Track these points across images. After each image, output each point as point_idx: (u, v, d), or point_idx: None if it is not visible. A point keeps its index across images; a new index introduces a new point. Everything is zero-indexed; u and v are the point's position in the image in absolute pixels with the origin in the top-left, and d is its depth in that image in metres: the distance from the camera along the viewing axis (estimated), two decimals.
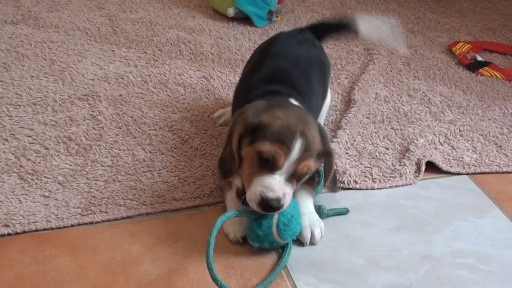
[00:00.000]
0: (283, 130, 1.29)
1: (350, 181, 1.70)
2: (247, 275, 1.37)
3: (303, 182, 1.42)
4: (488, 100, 2.16)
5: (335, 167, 1.49)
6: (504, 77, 2.36)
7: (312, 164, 1.34)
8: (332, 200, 1.63)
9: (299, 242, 1.46)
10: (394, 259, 1.46)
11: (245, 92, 1.57)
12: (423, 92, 2.19)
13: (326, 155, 1.40)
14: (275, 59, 1.64)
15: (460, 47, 2.54)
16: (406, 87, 2.22)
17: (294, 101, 1.49)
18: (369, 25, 1.82)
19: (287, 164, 1.31)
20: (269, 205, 1.31)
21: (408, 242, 1.52)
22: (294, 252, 1.44)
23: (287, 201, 1.33)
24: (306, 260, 1.43)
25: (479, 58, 2.46)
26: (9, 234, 1.47)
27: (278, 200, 1.31)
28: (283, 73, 1.59)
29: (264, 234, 1.34)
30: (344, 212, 1.57)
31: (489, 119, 2.05)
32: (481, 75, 2.37)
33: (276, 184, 1.31)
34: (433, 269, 1.44)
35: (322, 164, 1.48)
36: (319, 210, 1.51)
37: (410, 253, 1.49)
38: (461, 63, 2.45)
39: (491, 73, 2.37)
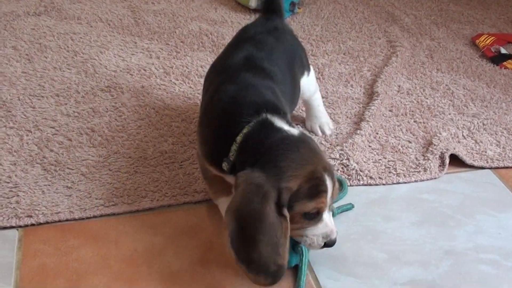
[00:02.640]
0: (315, 182, 1.24)
1: (374, 176, 1.69)
2: None
3: None
4: None
5: None
6: None
7: (337, 184, 1.32)
8: (354, 193, 1.62)
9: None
10: (416, 254, 1.46)
11: (218, 75, 1.50)
12: (446, 85, 2.18)
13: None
14: (245, 50, 1.56)
15: (484, 39, 2.51)
16: (429, 80, 2.20)
17: (277, 120, 1.34)
18: None
19: (328, 204, 1.29)
20: (333, 242, 1.32)
21: (431, 237, 1.51)
22: None
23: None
24: (328, 254, 1.43)
25: (503, 51, 2.43)
26: (32, 225, 1.48)
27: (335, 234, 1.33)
28: (255, 64, 1.51)
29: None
30: (349, 208, 1.57)
31: None
32: (505, 68, 2.35)
33: (332, 225, 1.31)
34: (456, 264, 1.44)
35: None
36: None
37: (433, 248, 1.48)
38: (484, 56, 2.42)
39: None
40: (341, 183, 1.59)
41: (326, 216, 1.29)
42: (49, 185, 1.59)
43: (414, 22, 2.67)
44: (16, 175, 1.62)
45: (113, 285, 1.33)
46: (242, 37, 1.65)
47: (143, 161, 1.69)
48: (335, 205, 1.55)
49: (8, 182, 1.60)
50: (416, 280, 1.39)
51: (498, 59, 2.39)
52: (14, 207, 1.51)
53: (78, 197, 1.56)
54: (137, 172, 1.65)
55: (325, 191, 1.24)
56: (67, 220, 1.50)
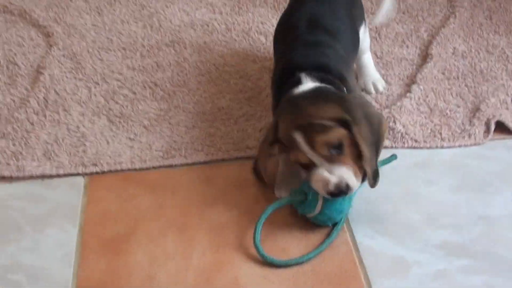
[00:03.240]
0: (287, 138, 1.40)
1: (419, 139, 1.76)
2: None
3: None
4: None
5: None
6: None
7: (329, 136, 1.37)
8: (398, 156, 1.70)
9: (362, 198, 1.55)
10: (451, 217, 1.54)
11: (285, 43, 1.69)
12: (502, 48, 2.20)
13: (345, 124, 1.39)
14: (308, 4, 1.72)
15: None
16: (485, 43, 2.22)
17: (306, 79, 1.52)
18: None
19: (312, 156, 1.38)
20: (338, 192, 1.40)
21: (467, 202, 1.59)
22: (356, 205, 1.53)
23: (351, 180, 1.40)
24: (367, 213, 1.53)
25: None
26: (97, 173, 1.63)
27: (339, 185, 1.39)
28: (313, 10, 1.69)
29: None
30: (393, 158, 1.62)
31: None
32: None
33: (327, 175, 1.39)
34: (488, 230, 1.52)
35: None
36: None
37: (468, 213, 1.56)
38: None
39: None
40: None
41: (322, 170, 1.38)
42: (113, 136, 1.74)
43: None
44: (83, 125, 1.77)
45: (166, 232, 1.48)
46: None
47: (201, 116, 1.82)
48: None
49: (77, 132, 1.75)
50: (447, 242, 1.48)
51: None
52: (81, 156, 1.67)
53: (139, 148, 1.70)
54: (195, 127, 1.77)
55: (296, 147, 1.37)
56: (128, 169, 1.64)
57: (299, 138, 1.37)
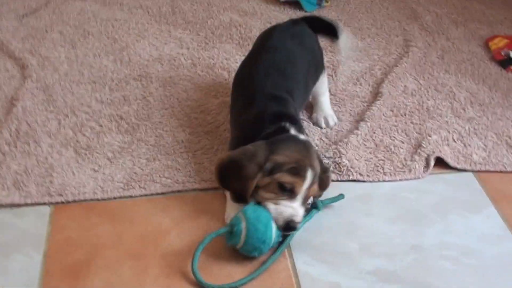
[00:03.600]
0: (298, 166, 1.59)
1: (362, 173, 1.91)
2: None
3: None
4: (511, 99, 2.30)
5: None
6: None
7: (317, 187, 1.65)
8: (342, 189, 1.85)
9: (304, 228, 1.71)
10: (385, 247, 1.69)
11: (248, 85, 1.87)
12: (450, 87, 2.35)
13: (324, 171, 1.68)
14: (271, 53, 1.91)
15: (497, 41, 2.66)
16: (435, 81, 2.38)
17: (291, 128, 1.73)
18: (346, 40, 2.18)
19: (303, 192, 1.60)
20: (292, 227, 1.61)
21: (402, 232, 1.74)
22: (299, 235, 1.68)
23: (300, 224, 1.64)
24: (308, 242, 1.68)
25: None
26: (62, 202, 1.77)
27: (299, 223, 1.63)
28: (277, 67, 1.86)
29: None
30: (341, 198, 1.79)
31: (507, 118, 2.20)
32: (511, 72, 2.49)
33: (300, 210, 1.61)
34: (419, 258, 1.66)
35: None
36: (315, 204, 1.73)
37: (401, 242, 1.71)
38: (494, 59, 2.57)
39: None
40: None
41: (298, 203, 1.61)
42: (79, 167, 1.88)
43: (434, 21, 2.83)
44: (52, 157, 1.91)
45: (122, 259, 1.61)
46: (266, 46, 1.97)
47: (162, 148, 1.96)
48: (325, 196, 1.80)
49: (45, 163, 1.89)
50: (380, 269, 1.62)
51: (506, 63, 2.54)
52: (48, 186, 1.80)
53: (102, 179, 1.84)
54: (155, 159, 1.92)
55: (304, 177, 1.58)
56: (91, 199, 1.78)
57: (309, 174, 1.60)
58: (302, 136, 1.70)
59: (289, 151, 1.61)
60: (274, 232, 1.59)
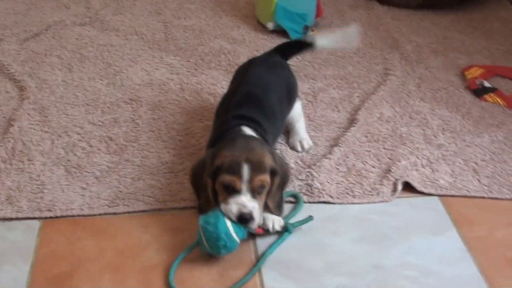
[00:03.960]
0: (231, 164, 1.72)
1: (333, 195, 2.05)
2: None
3: None
4: (481, 127, 2.42)
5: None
6: (506, 105, 2.60)
7: (264, 178, 1.73)
8: (313, 210, 1.98)
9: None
10: (349, 266, 1.82)
11: (224, 112, 2.01)
12: (424, 114, 2.48)
13: (273, 172, 1.76)
14: (248, 85, 2.05)
15: (473, 71, 2.79)
16: (410, 109, 2.51)
17: (247, 129, 1.88)
18: (325, 40, 2.29)
19: (244, 185, 1.73)
20: (245, 218, 1.74)
21: (365, 252, 1.87)
22: (269, 251, 1.82)
23: (256, 213, 1.75)
24: (277, 259, 1.81)
25: (486, 84, 2.70)
26: (51, 217, 1.91)
27: (250, 213, 1.74)
28: (254, 98, 2.01)
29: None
30: (310, 219, 1.91)
31: (476, 145, 2.33)
32: (484, 101, 2.61)
33: (246, 202, 1.74)
34: (380, 278, 1.79)
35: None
36: (286, 226, 1.87)
37: (365, 262, 1.84)
38: (469, 88, 2.70)
39: (494, 99, 2.62)
40: (297, 198, 1.97)
41: (246, 197, 1.73)
42: (68, 185, 2.02)
43: (414, 50, 2.96)
44: (44, 174, 2.06)
45: (103, 272, 1.75)
46: (244, 79, 2.12)
47: (146, 169, 2.10)
48: (296, 218, 1.93)
49: (37, 180, 2.03)
50: (342, 287, 1.75)
51: (480, 92, 2.67)
52: (38, 202, 1.95)
53: (89, 197, 1.98)
54: (139, 179, 2.06)
55: (237, 173, 1.70)
56: (78, 215, 1.93)
57: (245, 168, 1.71)
58: (249, 133, 1.83)
59: (227, 151, 1.73)
60: (230, 228, 1.74)
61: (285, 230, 1.87)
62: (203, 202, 1.81)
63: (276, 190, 1.81)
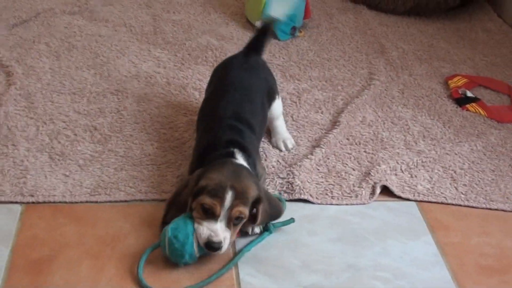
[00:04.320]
0: (216, 188, 1.69)
1: (312, 195, 2.08)
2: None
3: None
4: (462, 136, 2.47)
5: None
6: (487, 115, 2.65)
7: (244, 210, 1.71)
8: (292, 208, 2.01)
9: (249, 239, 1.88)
10: (324, 264, 1.85)
11: (209, 124, 2.01)
12: (406, 120, 2.53)
13: (257, 201, 1.75)
14: (230, 90, 2.06)
15: (457, 80, 2.83)
16: (392, 114, 2.55)
17: (239, 155, 1.87)
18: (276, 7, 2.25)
19: (223, 212, 1.71)
20: (212, 247, 1.73)
21: (341, 252, 1.90)
22: (246, 248, 1.85)
23: (226, 243, 1.75)
24: (254, 255, 1.84)
25: (469, 94, 2.75)
26: (33, 203, 1.93)
27: (219, 243, 1.73)
28: (236, 102, 2.02)
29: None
30: (291, 222, 1.94)
31: (455, 154, 2.37)
32: (466, 110, 2.66)
33: (219, 230, 1.72)
34: (353, 277, 1.83)
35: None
36: (266, 226, 1.89)
37: (339, 261, 1.87)
38: (451, 97, 2.74)
39: (476, 109, 2.67)
40: (280, 201, 2.00)
41: (219, 225, 1.70)
42: (51, 171, 2.04)
43: (400, 56, 3.00)
44: (28, 160, 2.07)
45: (83, 258, 1.77)
46: (225, 83, 2.12)
47: (130, 160, 2.13)
48: (288, 216, 1.96)
49: (21, 165, 2.05)
50: (316, 285, 1.79)
51: (462, 101, 2.72)
52: (21, 187, 1.97)
53: (72, 184, 2.00)
54: (122, 169, 2.08)
55: (221, 198, 1.67)
56: (60, 202, 1.95)
57: (228, 195, 1.69)
58: (240, 162, 1.81)
59: (215, 175, 1.71)
60: (195, 247, 1.74)
61: (266, 230, 1.90)
62: (170, 218, 1.79)
63: (262, 217, 1.82)
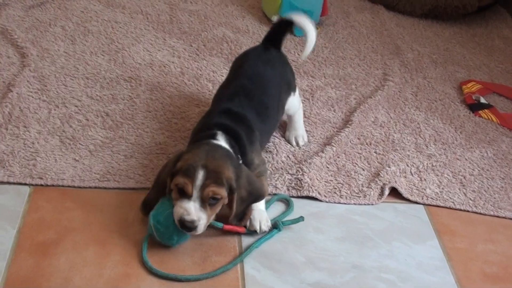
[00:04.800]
0: (188, 167, 1.70)
1: (321, 192, 2.08)
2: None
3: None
4: (473, 141, 2.46)
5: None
6: (499, 122, 2.64)
7: (217, 190, 1.71)
8: (300, 205, 2.01)
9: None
10: (329, 263, 1.85)
11: (215, 102, 2.05)
12: (418, 123, 2.52)
13: (230, 190, 1.75)
14: (243, 79, 2.05)
15: (471, 86, 2.82)
16: (404, 116, 2.55)
17: (221, 137, 1.86)
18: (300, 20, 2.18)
19: (195, 191, 1.71)
20: (185, 225, 1.73)
21: (346, 251, 1.90)
22: (251, 242, 1.86)
23: (201, 224, 1.74)
24: (259, 249, 1.84)
25: (482, 100, 2.74)
26: (41, 185, 1.94)
27: (192, 222, 1.73)
28: (246, 92, 2.00)
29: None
30: (300, 220, 1.93)
31: (466, 159, 2.36)
32: (479, 117, 2.65)
33: (192, 209, 1.73)
34: (358, 277, 1.83)
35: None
36: (275, 224, 1.89)
37: (345, 260, 1.87)
38: (465, 102, 2.73)
39: (489, 116, 2.66)
40: (288, 202, 2.00)
41: (192, 204, 1.71)
42: (61, 155, 2.04)
43: (415, 58, 2.99)
44: (38, 143, 2.08)
45: (88, 243, 1.78)
46: (239, 72, 2.11)
47: (140, 148, 2.13)
48: (296, 211, 1.98)
49: (31, 147, 2.05)
50: (320, 283, 1.79)
51: (475, 107, 2.71)
52: (30, 169, 1.97)
53: (81, 169, 2.00)
54: (132, 157, 2.08)
55: (191, 177, 1.69)
56: (68, 186, 1.95)
57: (200, 174, 1.70)
58: (220, 143, 1.81)
59: (190, 155, 1.73)
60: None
61: (274, 227, 1.90)
62: (150, 198, 1.81)
63: (242, 205, 1.79)
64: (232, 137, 1.86)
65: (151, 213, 1.76)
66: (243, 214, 1.83)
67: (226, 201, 1.76)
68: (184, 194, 1.72)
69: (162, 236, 1.76)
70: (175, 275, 1.72)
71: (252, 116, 1.95)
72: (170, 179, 1.73)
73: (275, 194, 2.03)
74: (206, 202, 1.73)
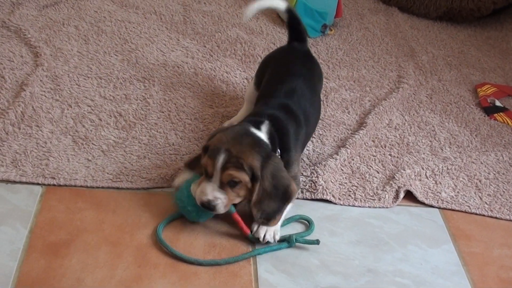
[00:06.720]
0: (213, 148, 1.73)
1: (335, 195, 2.06)
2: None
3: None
4: (488, 145, 2.44)
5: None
6: None
7: (235, 174, 1.73)
8: (313, 207, 2.00)
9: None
10: (343, 266, 1.83)
11: (268, 95, 2.03)
12: (433, 126, 2.49)
13: (254, 178, 1.75)
14: (297, 79, 2.07)
15: (486, 89, 2.79)
16: (419, 119, 2.52)
17: (264, 126, 1.86)
18: None
19: (216, 173, 1.73)
20: (203, 205, 1.76)
21: (361, 255, 1.88)
22: (264, 245, 1.83)
23: (219, 204, 1.77)
24: (273, 252, 1.82)
25: (498, 103, 2.71)
26: (54, 185, 1.92)
27: (209, 202, 1.76)
28: (299, 91, 2.03)
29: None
30: (315, 242, 1.88)
31: (481, 163, 2.33)
32: (494, 120, 2.62)
33: (208, 189, 1.75)
34: (372, 281, 1.80)
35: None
36: (289, 239, 1.86)
37: (359, 264, 1.85)
38: (480, 105, 2.71)
39: (504, 119, 2.63)
40: (309, 223, 1.97)
41: (211, 184, 1.75)
42: (74, 155, 2.03)
43: (429, 61, 2.97)
44: (51, 142, 2.07)
45: (100, 244, 1.76)
46: (291, 71, 2.13)
47: (153, 148, 2.11)
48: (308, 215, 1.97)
49: (44, 147, 2.04)
50: (334, 287, 1.76)
51: (490, 110, 2.68)
52: (43, 168, 1.96)
53: (94, 169, 1.99)
54: (145, 157, 2.07)
55: (212, 157, 1.72)
56: (81, 186, 1.93)
57: (221, 156, 1.72)
58: (258, 133, 1.82)
59: (221, 136, 1.76)
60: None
61: (285, 240, 1.87)
62: (191, 161, 1.90)
63: (267, 199, 1.77)
64: (280, 131, 1.88)
65: (175, 193, 1.84)
66: (273, 215, 1.82)
67: (249, 185, 1.77)
68: (207, 174, 1.75)
69: (184, 212, 1.83)
70: (194, 258, 1.77)
71: (302, 118, 1.98)
72: (203, 151, 1.78)
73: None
74: (226, 184, 1.75)
